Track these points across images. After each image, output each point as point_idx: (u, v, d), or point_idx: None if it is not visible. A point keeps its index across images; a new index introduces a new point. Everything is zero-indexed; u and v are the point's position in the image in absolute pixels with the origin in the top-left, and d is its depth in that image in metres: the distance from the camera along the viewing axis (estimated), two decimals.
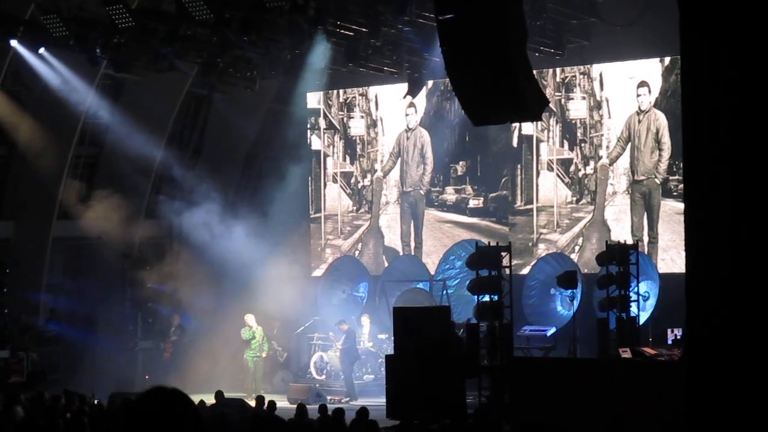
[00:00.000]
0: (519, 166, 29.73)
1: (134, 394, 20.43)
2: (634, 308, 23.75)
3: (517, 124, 28.81)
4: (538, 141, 29.44)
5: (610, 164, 28.48)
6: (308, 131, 32.73)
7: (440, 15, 15.01)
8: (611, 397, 19.09)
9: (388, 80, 29.63)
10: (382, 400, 23.46)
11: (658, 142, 27.70)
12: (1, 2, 25.41)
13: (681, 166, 25.33)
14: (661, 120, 27.65)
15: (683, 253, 7.62)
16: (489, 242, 24.86)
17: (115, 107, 29.77)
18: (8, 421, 17.75)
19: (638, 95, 27.95)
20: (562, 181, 29.14)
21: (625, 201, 28.24)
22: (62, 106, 28.37)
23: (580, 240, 28.84)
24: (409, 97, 29.32)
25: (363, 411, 18.13)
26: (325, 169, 32.66)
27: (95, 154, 31.14)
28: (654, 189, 27.81)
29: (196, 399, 12.58)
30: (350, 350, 27.89)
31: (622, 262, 23.61)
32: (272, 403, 19.74)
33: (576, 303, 25.05)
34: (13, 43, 26.14)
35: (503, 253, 23.82)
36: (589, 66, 28.59)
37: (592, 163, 28.75)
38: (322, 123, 32.62)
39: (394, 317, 24.24)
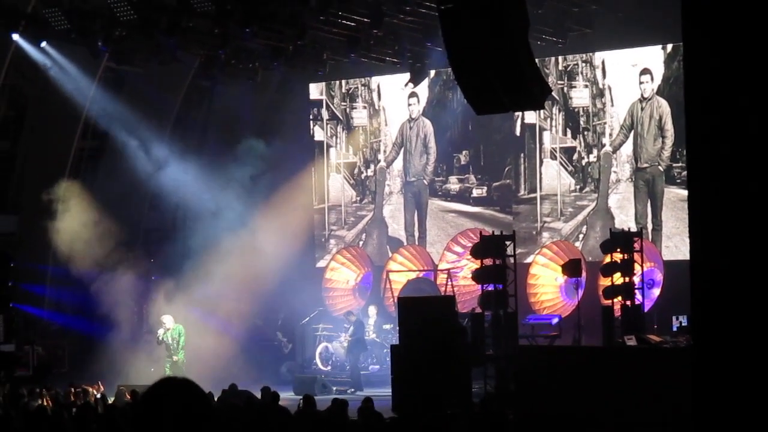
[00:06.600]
0: (522, 154, 29.71)
1: (140, 386, 20.48)
2: (638, 296, 23.75)
3: (519, 113, 28.79)
4: (541, 129, 29.41)
5: (614, 152, 28.46)
6: (311, 122, 32.72)
7: (441, 4, 14.97)
8: (616, 385, 19.07)
9: (390, 70, 29.61)
10: (387, 391, 23.44)
11: (661, 129, 27.67)
12: None
13: (684, 153, 25.32)
14: (663, 107, 27.62)
15: (687, 240, 7.62)
16: (493, 231, 24.84)
17: (117, 100, 29.74)
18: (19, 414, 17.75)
19: (641, 83, 27.91)
20: (566, 169, 29.12)
21: (629, 189, 28.22)
22: (64, 100, 28.35)
23: (584, 228, 28.83)
24: (411, 86, 29.27)
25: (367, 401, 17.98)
26: (328, 159, 32.64)
27: (98, 147, 31.11)
28: (657, 176, 27.80)
29: None
30: (359, 341, 27.89)
31: (626, 249, 23.59)
32: (275, 394, 19.70)
33: (581, 291, 25.04)
34: (15, 36, 26.12)
35: (507, 242, 23.79)
36: (591, 54, 28.56)
37: (595, 151, 28.73)
38: (325, 114, 32.60)
39: (399, 307, 24.22)
